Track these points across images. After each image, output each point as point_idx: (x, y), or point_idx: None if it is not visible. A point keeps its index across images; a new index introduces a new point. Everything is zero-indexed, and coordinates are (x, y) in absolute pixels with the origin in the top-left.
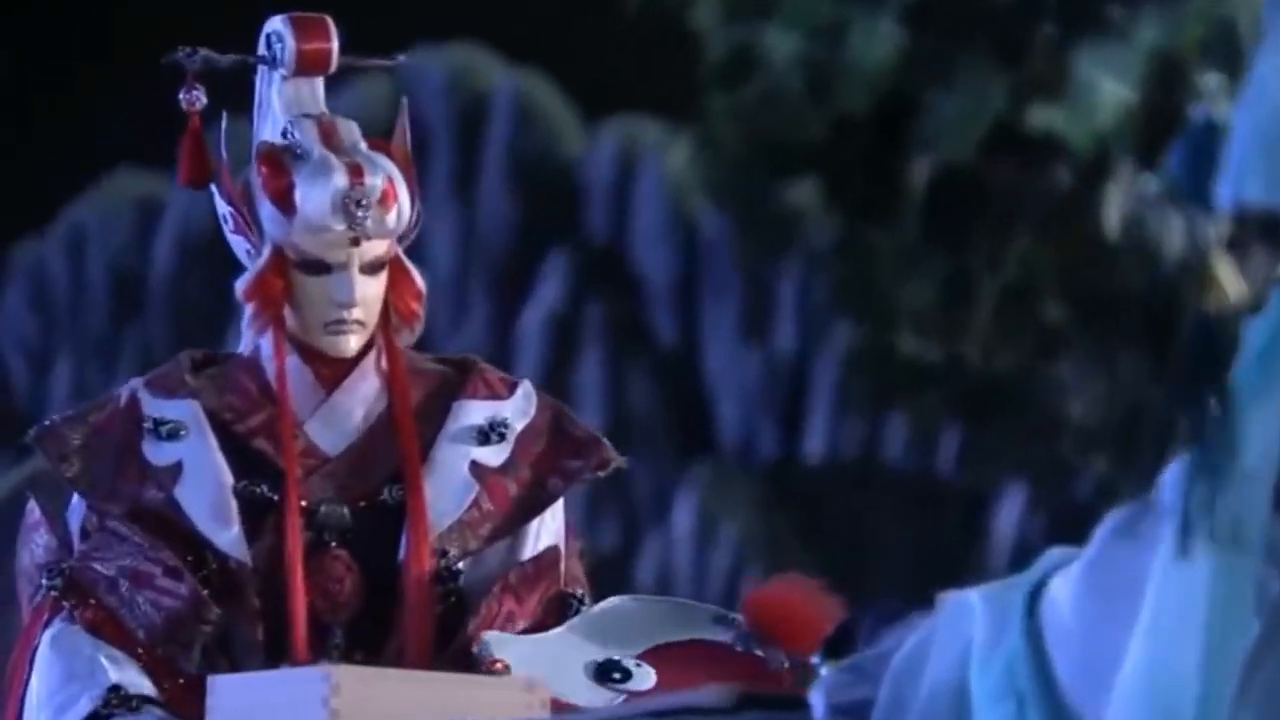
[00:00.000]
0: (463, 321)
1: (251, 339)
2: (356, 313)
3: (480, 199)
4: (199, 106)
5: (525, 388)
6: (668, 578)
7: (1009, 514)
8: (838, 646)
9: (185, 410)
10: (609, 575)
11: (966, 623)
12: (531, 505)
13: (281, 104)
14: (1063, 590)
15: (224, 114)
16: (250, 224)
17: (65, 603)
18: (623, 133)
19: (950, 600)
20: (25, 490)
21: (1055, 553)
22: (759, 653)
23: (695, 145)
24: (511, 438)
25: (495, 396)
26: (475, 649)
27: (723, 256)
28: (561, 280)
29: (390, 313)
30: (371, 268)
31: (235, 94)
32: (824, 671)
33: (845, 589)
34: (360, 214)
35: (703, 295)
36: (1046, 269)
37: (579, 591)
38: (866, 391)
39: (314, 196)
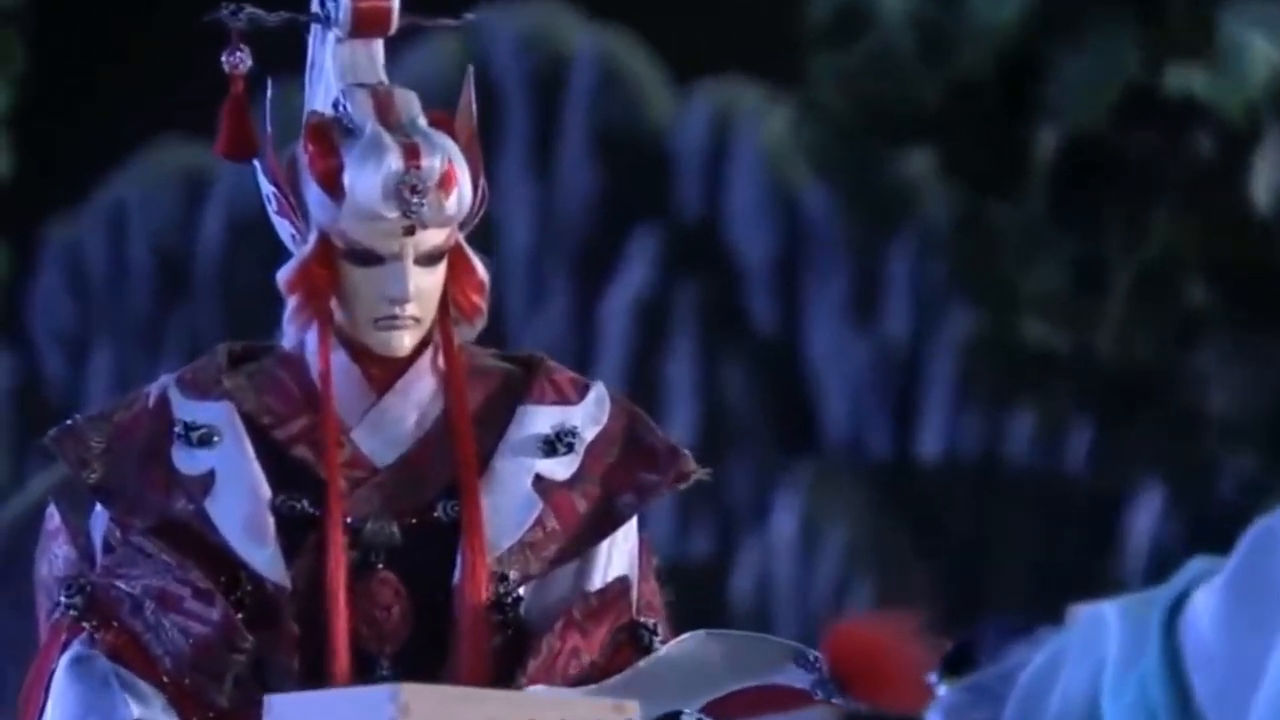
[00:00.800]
0: (539, 307)
1: (295, 334)
2: (411, 308)
3: (559, 172)
4: (243, 69)
5: (598, 391)
6: (767, 590)
7: (1145, 518)
8: (957, 664)
9: (219, 413)
10: (703, 587)
11: (1100, 639)
12: (602, 525)
13: (336, 70)
14: (1204, 606)
15: (269, 80)
16: (295, 207)
17: (85, 624)
18: (717, 97)
19: (1083, 614)
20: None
21: (1197, 563)
22: (836, 701)
23: (797, 111)
24: (581, 448)
25: (564, 401)
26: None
27: (827, 234)
28: (649, 261)
29: (449, 306)
30: (428, 258)
31: (286, 56)
32: (942, 691)
33: (964, 600)
34: (416, 200)
35: (805, 277)
36: (1188, 247)
37: (652, 622)
38: (987, 383)
39: (364, 180)
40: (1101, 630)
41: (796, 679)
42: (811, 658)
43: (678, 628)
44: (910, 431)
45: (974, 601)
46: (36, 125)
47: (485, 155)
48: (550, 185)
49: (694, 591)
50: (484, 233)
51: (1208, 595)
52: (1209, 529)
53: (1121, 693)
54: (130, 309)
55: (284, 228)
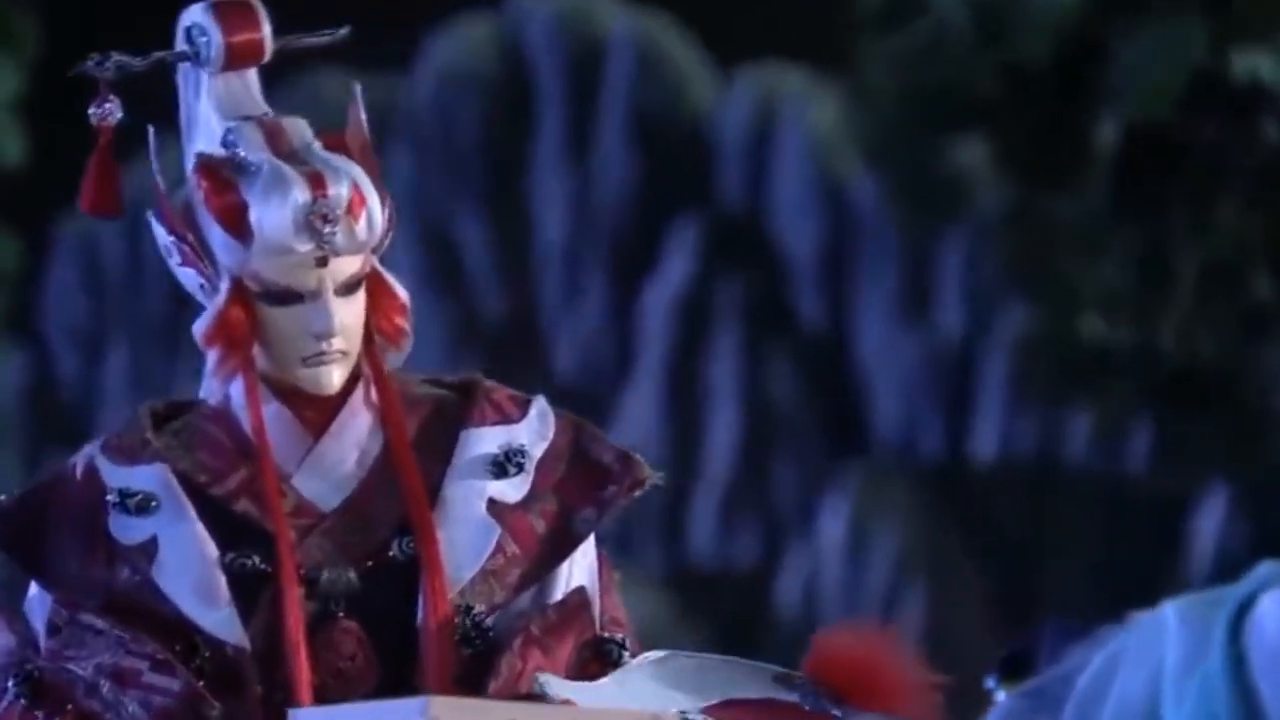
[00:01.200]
0: (574, 303)
1: (220, 388)
2: (337, 342)
3: (596, 161)
4: (113, 121)
5: (539, 406)
6: (814, 596)
7: (1209, 520)
8: (1015, 668)
9: (153, 477)
10: (747, 594)
11: (1159, 642)
12: (562, 544)
13: (214, 106)
14: (1273, 611)
15: (151, 128)
16: (200, 253)
17: (37, 713)
18: (761, 83)
19: (1142, 617)
20: None
21: (1265, 567)
22: (835, 712)
23: (846, 97)
24: (531, 466)
25: (506, 420)
26: (533, 688)
27: (877, 226)
28: (689, 254)
29: (373, 335)
30: (346, 288)
31: (161, 104)
32: (1000, 696)
33: (1019, 607)
34: (328, 230)
35: (853, 270)
36: (1255, 239)
37: (619, 636)
38: (1044, 381)
39: (271, 216)
40: (1160, 632)
41: (784, 695)
42: (794, 678)
43: (721, 636)
44: (963, 431)
45: (1029, 608)
46: (50, 112)
47: (520, 142)
48: (586, 175)
49: (738, 599)
50: (518, 225)
51: (1277, 600)
52: (1276, 531)
53: (1183, 696)
54: (148, 305)
55: (190, 278)
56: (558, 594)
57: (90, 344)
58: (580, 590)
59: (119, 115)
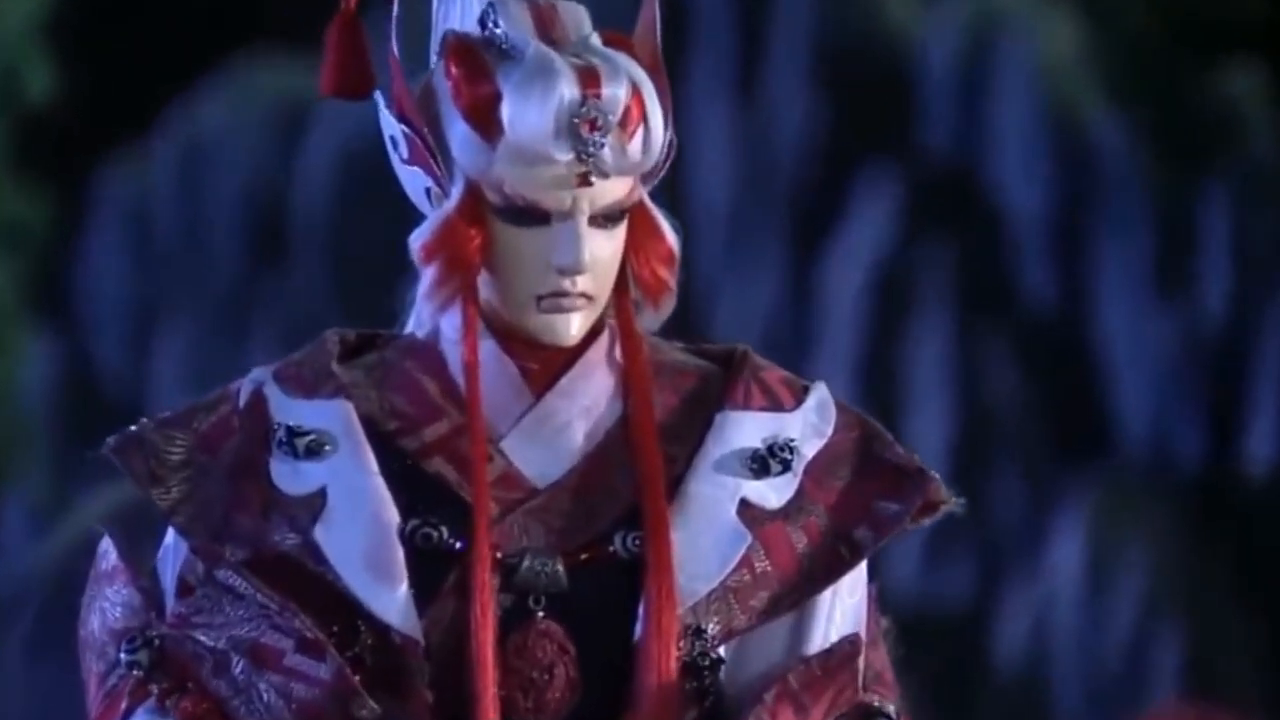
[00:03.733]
0: (744, 272)
1: (430, 316)
2: (584, 282)
3: (770, 98)
4: None
5: (820, 394)
6: (1045, 640)
7: None
8: None
9: (332, 415)
10: (959, 639)
11: None
12: (827, 567)
13: None
14: None
15: None
16: (433, 151)
17: (153, 686)
18: (975, 1)
19: None
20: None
21: None
22: None
23: (1082, 17)
24: (799, 467)
25: (776, 406)
26: None
27: (1122, 178)
28: (886, 214)
29: (629, 283)
30: (606, 218)
31: None
32: None
33: None
34: (596, 139)
35: (1093, 234)
36: None
37: (890, 707)
38: None
39: (529, 113)
40: None
41: None
42: None
43: (927, 692)
44: (1231, 434)
45: None
46: (87, 37)
47: (675, 80)
48: (758, 116)
49: (947, 646)
50: (672, 179)
51: None
52: None
53: None
54: (209, 277)
55: (415, 179)
56: (816, 634)
57: (138, 325)
58: (852, 639)
59: None
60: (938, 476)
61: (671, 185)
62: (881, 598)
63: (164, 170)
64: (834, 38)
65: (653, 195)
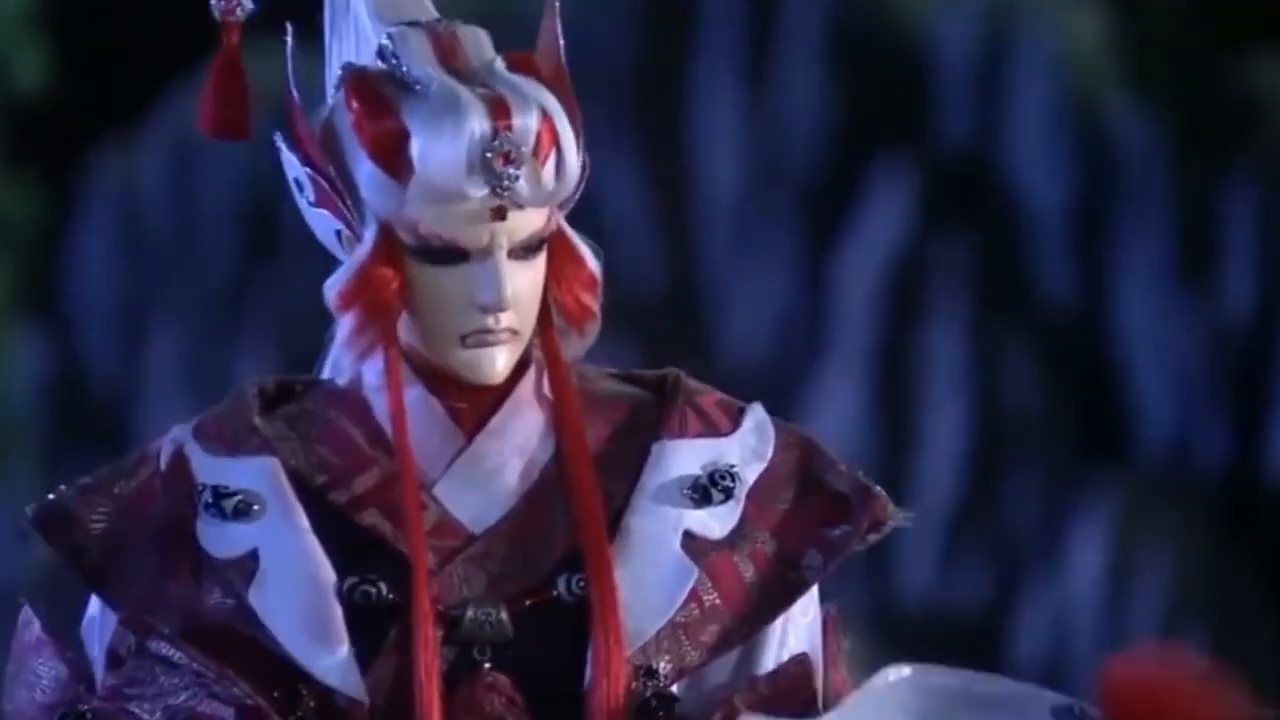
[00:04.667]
0: (755, 266)
1: (350, 364)
2: (507, 318)
3: (782, 88)
4: (240, 15)
5: (756, 416)
6: (1064, 646)
7: None
8: None
9: (259, 473)
10: (975, 643)
11: None
12: (776, 595)
13: (369, 8)
14: None
15: (288, 25)
16: (341, 193)
17: None
18: None
19: None
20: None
21: None
22: None
23: (1104, 6)
24: (741, 493)
25: (713, 431)
26: None
27: (1145, 169)
28: (901, 205)
29: (551, 312)
30: (526, 249)
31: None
32: None
33: None
34: (510, 172)
35: (1114, 227)
36: None
37: None
38: None
39: (440, 150)
40: None
41: None
42: (1076, 710)
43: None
44: (1255, 433)
45: None
46: (78, 27)
47: (684, 62)
48: (767, 103)
49: (964, 650)
50: (675, 167)
51: None
52: None
53: None
54: (203, 276)
55: (324, 222)
56: (767, 659)
57: (129, 325)
58: (801, 658)
59: (250, 7)
60: (882, 492)
61: (680, 177)
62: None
63: (156, 164)
64: (848, 25)
65: (657, 183)
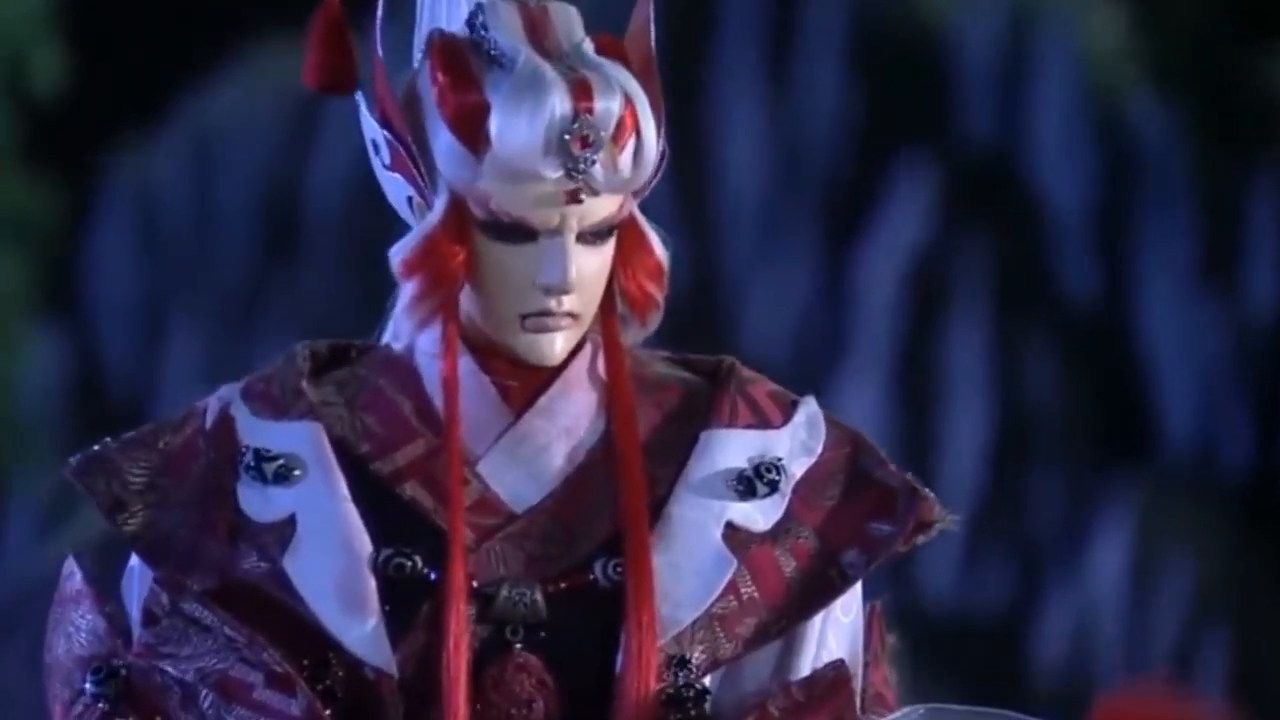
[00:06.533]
0: (776, 265)
1: (410, 331)
2: (570, 301)
3: (803, 86)
4: None
5: (809, 410)
6: (1085, 647)
7: None
8: None
9: (302, 438)
10: (996, 648)
11: None
12: (817, 591)
13: None
14: None
15: None
16: (416, 159)
17: (118, 719)
18: None
19: None
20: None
21: None
22: None
23: (1126, 2)
24: (787, 487)
25: (764, 423)
26: None
27: (1168, 167)
28: (923, 205)
29: (615, 299)
30: (595, 235)
31: None
32: None
33: None
34: (587, 156)
35: (1137, 225)
36: None
37: None
38: None
39: (519, 128)
40: None
41: None
42: None
43: (964, 699)
44: (1279, 433)
45: None
46: (97, 25)
47: (702, 65)
48: (788, 101)
49: (985, 651)
50: (695, 166)
51: None
52: None
53: None
54: (222, 274)
55: (397, 186)
56: (805, 660)
57: (147, 324)
58: (838, 665)
59: None
60: (931, 494)
61: (701, 176)
62: (888, 614)
63: (174, 163)
64: (869, 25)
65: (678, 182)
